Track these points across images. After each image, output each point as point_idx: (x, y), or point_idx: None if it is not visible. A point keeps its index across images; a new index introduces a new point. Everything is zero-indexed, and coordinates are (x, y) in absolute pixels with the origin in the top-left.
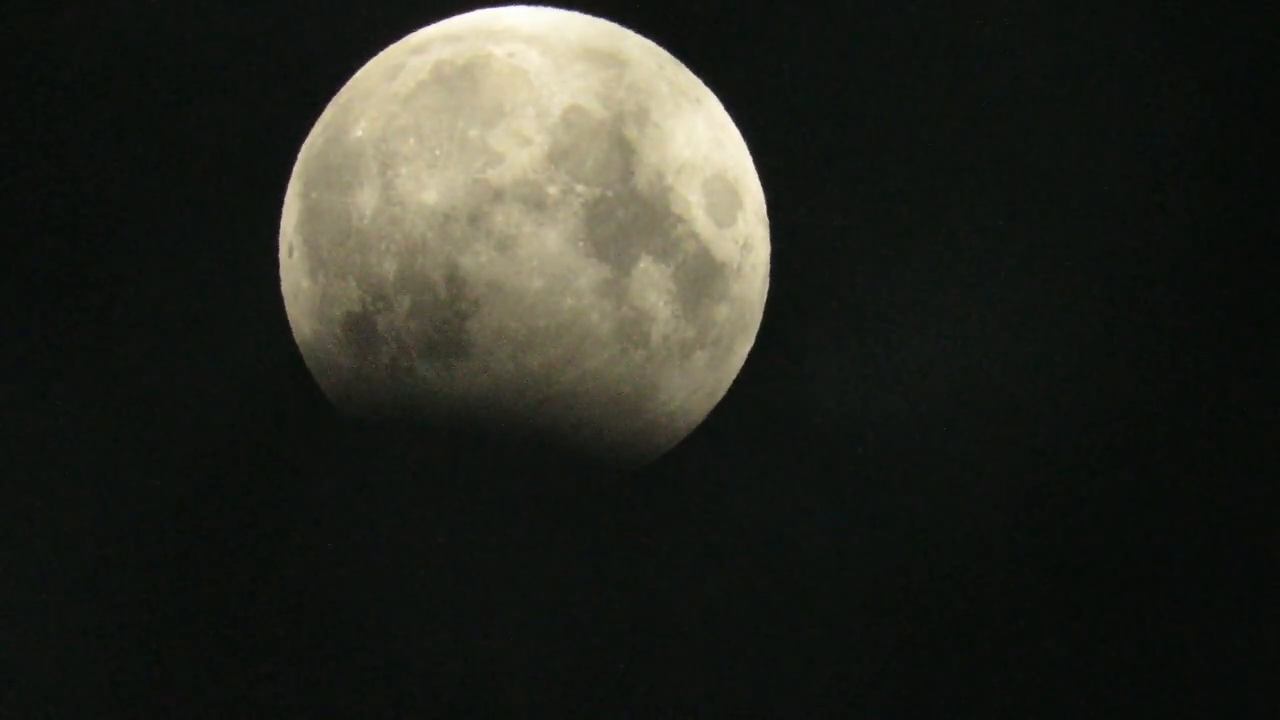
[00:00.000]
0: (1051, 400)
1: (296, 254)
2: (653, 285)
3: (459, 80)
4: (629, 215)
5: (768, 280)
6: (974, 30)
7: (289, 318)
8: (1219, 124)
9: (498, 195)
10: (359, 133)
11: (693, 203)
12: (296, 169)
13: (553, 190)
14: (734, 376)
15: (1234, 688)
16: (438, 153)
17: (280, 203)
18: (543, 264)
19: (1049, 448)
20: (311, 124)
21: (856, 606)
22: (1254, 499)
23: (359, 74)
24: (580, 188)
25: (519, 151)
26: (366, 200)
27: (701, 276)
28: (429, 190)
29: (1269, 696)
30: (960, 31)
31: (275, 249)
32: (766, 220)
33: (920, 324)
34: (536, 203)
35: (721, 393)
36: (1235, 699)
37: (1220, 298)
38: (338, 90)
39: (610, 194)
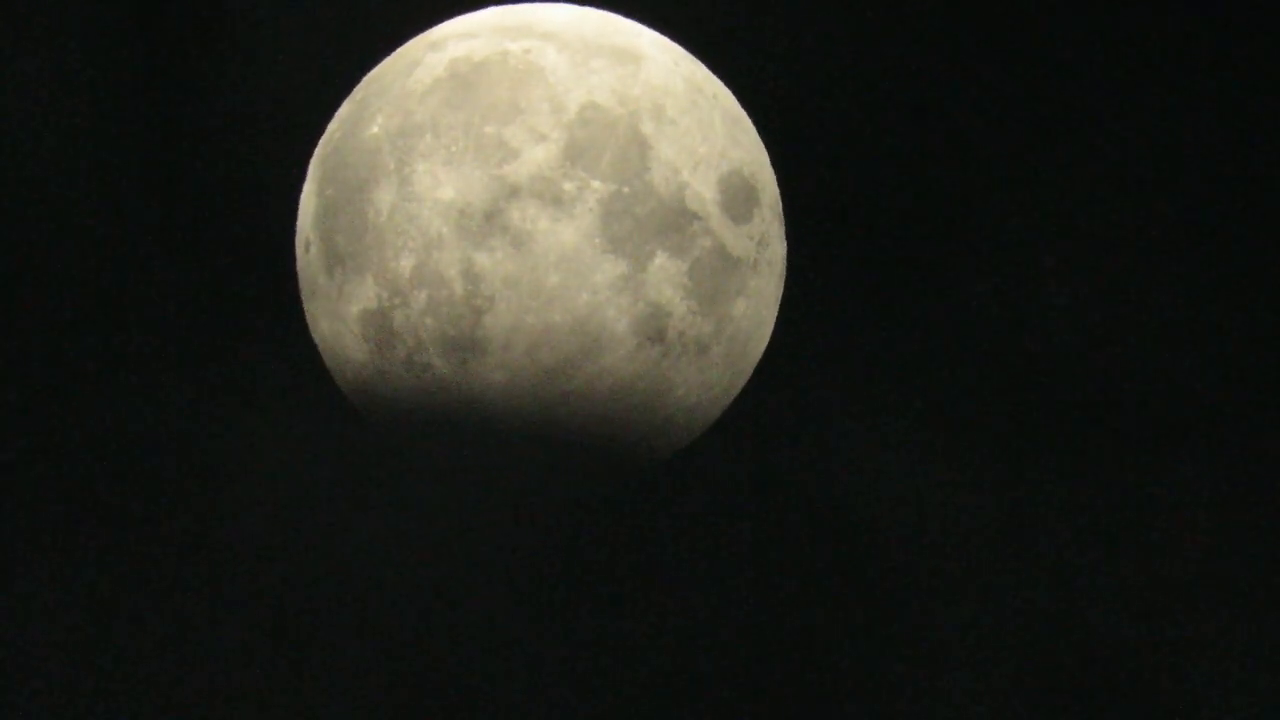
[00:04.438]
0: (1061, 407)
1: (313, 250)
2: (669, 281)
3: (475, 76)
4: (645, 211)
5: (784, 276)
6: (987, 29)
7: (305, 314)
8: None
9: (514, 191)
10: (375, 129)
11: (709, 199)
12: (313, 165)
13: (569, 186)
14: (750, 373)
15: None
16: (454, 149)
17: (297, 199)
18: (559, 260)
19: (1065, 455)
20: (328, 120)
21: (869, 603)
22: None
23: (375, 70)
24: (596, 184)
25: (535, 148)
26: (383, 196)
27: (717, 272)
28: (445, 186)
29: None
30: (973, 29)
31: (292, 245)
32: (783, 216)
33: (935, 320)
34: (552, 199)
35: (738, 389)
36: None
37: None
38: (354, 86)
39: (626, 190)
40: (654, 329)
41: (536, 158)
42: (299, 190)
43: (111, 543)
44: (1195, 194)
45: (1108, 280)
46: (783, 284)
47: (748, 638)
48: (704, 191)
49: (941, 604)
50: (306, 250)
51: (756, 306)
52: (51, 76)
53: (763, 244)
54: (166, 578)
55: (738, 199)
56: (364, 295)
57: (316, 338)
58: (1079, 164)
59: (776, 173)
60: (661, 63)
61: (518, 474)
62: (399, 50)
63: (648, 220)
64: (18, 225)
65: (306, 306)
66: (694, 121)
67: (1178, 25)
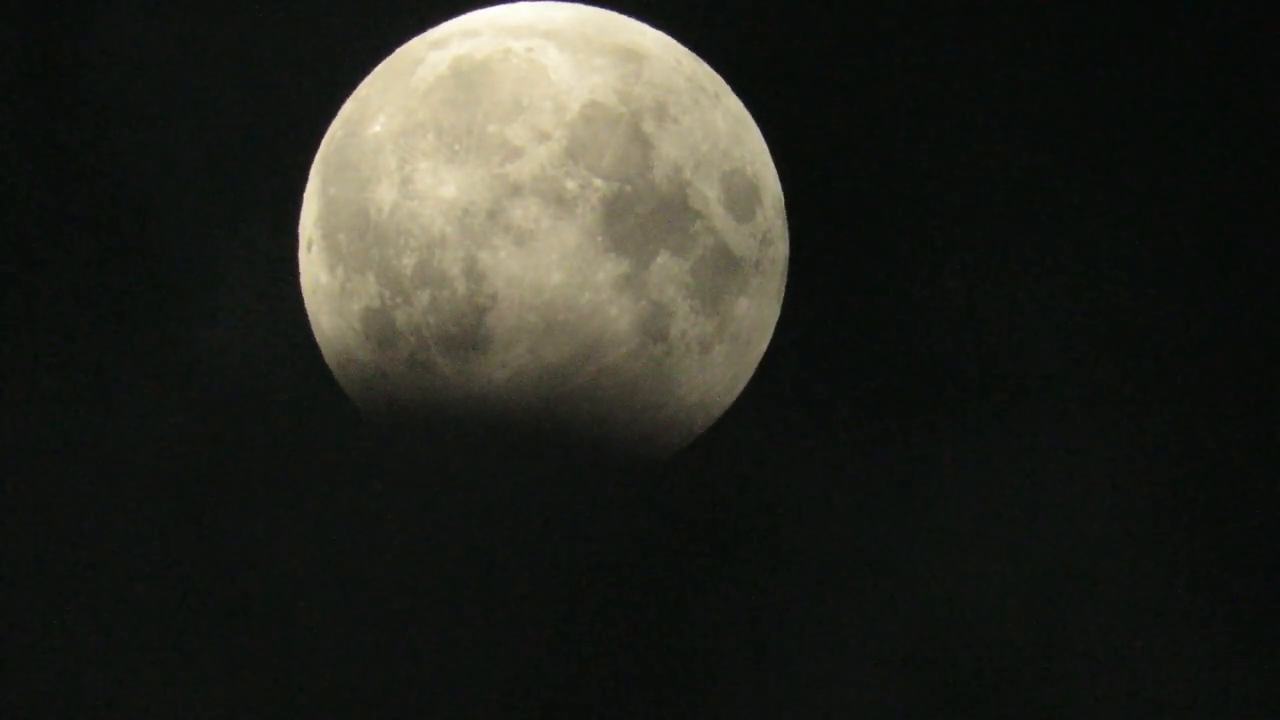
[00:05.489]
0: (1073, 416)
1: (315, 249)
2: (671, 280)
3: (478, 75)
4: (647, 210)
5: (786, 274)
6: (990, 28)
7: (308, 313)
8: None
9: (516, 190)
10: (378, 128)
11: (711, 198)
12: (316, 164)
13: (571, 185)
14: (753, 371)
15: None
16: (456, 148)
17: (300, 197)
18: (561, 258)
19: (1091, 466)
20: (331, 119)
21: (872, 602)
22: None
23: (378, 69)
24: (599, 182)
25: (537, 146)
26: (385, 195)
27: (720, 271)
28: (447, 185)
29: None
30: (975, 29)
31: (295, 244)
32: (785, 215)
33: (938, 320)
34: (555, 197)
35: (740, 388)
36: None
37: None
38: (357, 85)
39: (629, 189)
40: (656, 328)
41: (539, 156)
42: (301, 189)
43: (111, 543)
44: (1217, 211)
45: (1105, 282)
46: (785, 282)
47: (748, 637)
48: (706, 190)
49: (944, 601)
50: (309, 249)
51: (759, 305)
52: (49, 74)
53: (765, 242)
54: (166, 577)
55: (740, 198)
56: (366, 294)
57: (318, 336)
58: (1082, 164)
59: (778, 171)
60: (664, 61)
61: (519, 473)
62: (401, 49)
63: (650, 219)
64: (17, 225)
65: (308, 305)
66: (696, 120)
67: (1182, 29)
